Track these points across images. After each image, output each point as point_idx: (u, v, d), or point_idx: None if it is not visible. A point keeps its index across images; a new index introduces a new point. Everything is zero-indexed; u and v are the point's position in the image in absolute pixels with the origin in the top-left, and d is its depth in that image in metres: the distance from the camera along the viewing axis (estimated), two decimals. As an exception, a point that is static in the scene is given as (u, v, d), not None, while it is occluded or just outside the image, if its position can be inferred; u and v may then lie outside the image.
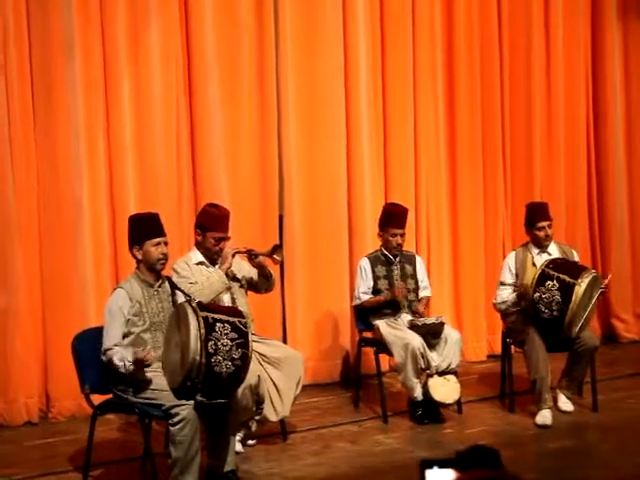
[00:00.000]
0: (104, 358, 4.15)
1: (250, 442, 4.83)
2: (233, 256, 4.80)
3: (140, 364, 4.04)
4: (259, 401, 4.67)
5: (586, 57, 7.30)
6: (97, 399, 4.34)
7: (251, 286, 4.99)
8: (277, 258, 4.81)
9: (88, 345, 4.25)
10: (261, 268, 4.87)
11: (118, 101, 5.59)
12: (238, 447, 4.61)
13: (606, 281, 5.35)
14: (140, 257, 4.23)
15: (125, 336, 4.19)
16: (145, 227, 4.27)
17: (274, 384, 4.76)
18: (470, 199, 6.86)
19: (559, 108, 7.16)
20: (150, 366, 4.08)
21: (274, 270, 5.13)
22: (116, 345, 4.14)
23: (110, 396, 4.31)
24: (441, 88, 6.76)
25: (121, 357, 4.08)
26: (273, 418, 4.79)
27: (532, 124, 7.03)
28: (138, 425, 4.28)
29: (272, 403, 4.75)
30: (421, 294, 5.59)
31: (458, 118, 6.80)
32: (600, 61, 7.35)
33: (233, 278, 4.86)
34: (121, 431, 5.19)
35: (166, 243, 4.29)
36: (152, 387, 4.12)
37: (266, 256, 4.83)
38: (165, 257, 4.27)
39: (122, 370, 4.09)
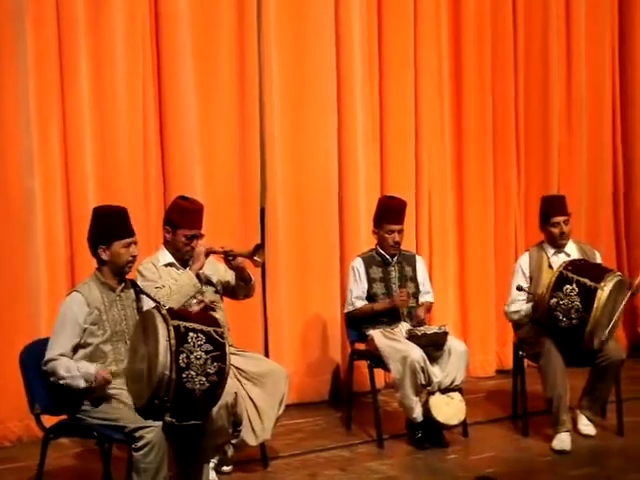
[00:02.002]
0: (45, 368, 4.12)
1: (226, 469, 4.82)
2: (207, 255, 4.78)
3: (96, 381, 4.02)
4: (236, 422, 4.66)
5: (612, 32, 7.33)
6: (49, 420, 4.30)
7: (227, 291, 4.97)
8: (258, 260, 4.79)
9: (39, 358, 4.19)
10: (239, 271, 4.85)
11: (75, 82, 5.53)
12: (212, 475, 4.59)
13: (636, 282, 5.35)
14: (106, 258, 4.21)
15: (82, 347, 4.15)
16: (114, 225, 4.24)
17: (253, 403, 4.75)
18: (478, 192, 6.88)
19: (581, 89, 7.18)
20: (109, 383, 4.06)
21: (254, 273, 5.12)
22: (62, 355, 4.11)
23: (64, 417, 4.28)
24: (446, 66, 6.78)
25: (68, 367, 4.06)
26: (252, 442, 4.77)
27: (550, 107, 7.05)
28: (97, 450, 4.25)
29: (251, 425, 4.73)
30: (422, 299, 5.58)
31: (465, 99, 6.81)
32: (628, 36, 7.37)
33: (207, 282, 4.84)
34: (77, 457, 5.15)
35: (136, 243, 4.28)
36: (113, 406, 4.09)
37: (245, 257, 4.81)
38: (135, 259, 4.29)
39: (62, 382, 4.05)
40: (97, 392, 4.08)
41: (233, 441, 4.73)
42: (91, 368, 4.05)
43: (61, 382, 4.08)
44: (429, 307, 5.70)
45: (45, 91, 5.46)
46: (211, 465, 4.54)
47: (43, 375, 4.15)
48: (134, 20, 5.69)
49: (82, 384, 4.05)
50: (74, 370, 4.05)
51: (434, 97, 6.69)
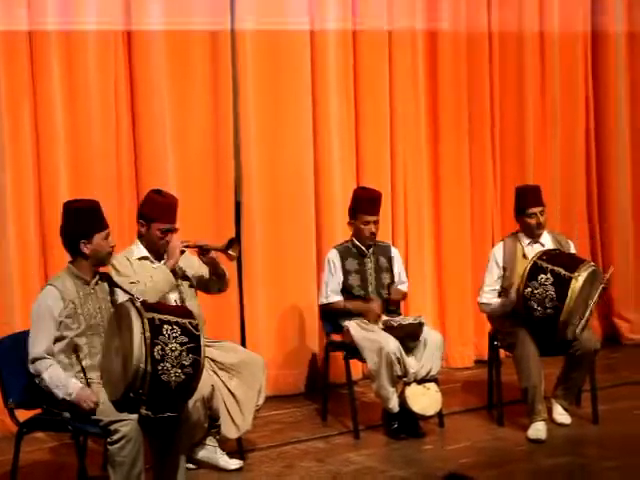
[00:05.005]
0: (32, 369, 4.13)
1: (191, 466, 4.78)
2: (182, 252, 4.79)
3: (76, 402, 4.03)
4: (212, 416, 4.67)
5: (585, 25, 7.37)
6: (23, 415, 4.30)
7: (201, 285, 4.97)
8: (232, 254, 4.81)
9: (12, 352, 4.22)
10: (213, 265, 4.87)
11: (46, 74, 5.52)
12: (189, 464, 4.65)
13: (607, 275, 5.41)
14: (88, 252, 4.23)
15: (57, 340, 4.16)
16: (92, 218, 4.27)
17: (232, 394, 4.77)
18: (454, 182, 6.89)
19: (554, 80, 7.19)
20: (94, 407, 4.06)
21: (229, 266, 5.14)
22: (48, 353, 4.11)
23: (39, 411, 4.28)
24: (422, 57, 6.76)
25: (56, 379, 4.06)
26: (233, 434, 4.80)
27: (524, 97, 7.06)
28: (72, 444, 4.27)
29: (231, 417, 4.75)
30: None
31: (440, 90, 6.80)
32: (602, 25, 7.39)
33: (182, 276, 4.85)
34: (52, 451, 5.16)
35: (110, 233, 4.32)
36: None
37: (219, 251, 4.83)
38: (113, 249, 4.34)
39: (51, 391, 4.06)
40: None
41: (217, 437, 4.77)
42: (72, 390, 4.04)
43: (51, 390, 4.08)
44: (404, 295, 5.73)
45: (16, 84, 5.43)
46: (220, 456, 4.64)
47: (27, 372, 4.14)
48: (106, 11, 5.67)
49: (66, 398, 4.06)
50: (61, 385, 4.05)
51: (409, 88, 6.68)
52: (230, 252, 4.80)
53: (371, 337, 5.27)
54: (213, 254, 4.83)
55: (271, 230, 6.28)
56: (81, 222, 4.26)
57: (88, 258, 4.24)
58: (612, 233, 7.50)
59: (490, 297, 5.53)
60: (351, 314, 5.46)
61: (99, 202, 4.36)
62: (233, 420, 4.76)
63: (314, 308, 6.15)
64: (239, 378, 4.80)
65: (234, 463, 4.80)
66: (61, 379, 4.08)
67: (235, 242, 4.91)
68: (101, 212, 4.31)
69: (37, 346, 4.13)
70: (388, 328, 5.26)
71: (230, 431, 4.77)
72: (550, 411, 5.40)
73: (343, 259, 5.54)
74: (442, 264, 6.94)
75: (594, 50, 7.43)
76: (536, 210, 5.51)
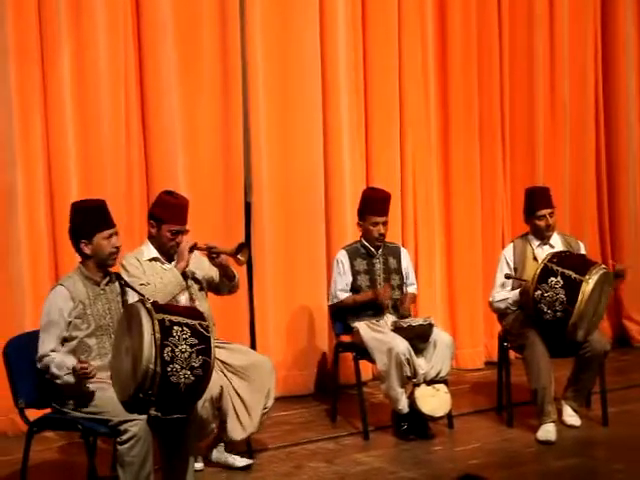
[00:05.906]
0: (39, 365, 4.15)
1: (197, 466, 4.73)
2: (191, 252, 4.79)
3: (79, 375, 4.04)
4: (221, 418, 4.67)
5: (595, 27, 7.36)
6: (33, 414, 4.32)
7: (211, 287, 4.97)
8: (241, 259, 4.80)
9: (23, 352, 4.23)
10: (223, 268, 4.86)
11: (57, 71, 5.54)
12: (198, 465, 4.65)
13: (622, 267, 5.42)
14: (89, 252, 4.22)
15: (66, 341, 4.18)
16: (94, 218, 4.25)
17: (240, 397, 4.76)
18: (465, 183, 6.89)
19: (564, 80, 7.21)
20: (92, 378, 4.07)
21: (239, 267, 5.13)
22: (53, 351, 4.13)
23: (48, 411, 4.30)
24: (432, 59, 6.78)
25: (60, 364, 4.08)
26: (240, 436, 4.78)
27: (534, 98, 7.08)
28: (81, 444, 4.28)
29: (238, 418, 4.74)
30: (406, 291, 5.62)
31: (451, 92, 6.82)
32: (611, 29, 7.41)
33: (192, 278, 4.85)
34: (62, 451, 5.17)
35: (117, 233, 4.30)
36: (98, 399, 4.12)
37: (229, 255, 4.83)
38: (118, 250, 4.30)
39: (59, 381, 4.08)
40: (80, 386, 4.10)
41: (223, 438, 4.78)
42: (70, 363, 4.07)
43: (56, 381, 4.10)
44: (413, 299, 5.75)
45: (27, 83, 5.45)
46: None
47: (37, 371, 4.16)
48: (116, 11, 5.69)
49: (72, 380, 4.07)
50: (64, 367, 4.06)
51: (420, 90, 6.69)
52: (239, 257, 4.79)
53: (380, 338, 5.26)
54: (222, 258, 4.82)
55: (281, 231, 6.28)
56: (82, 222, 4.25)
57: (91, 258, 4.24)
58: (622, 234, 7.49)
59: (504, 293, 5.50)
60: (361, 314, 5.45)
61: (104, 201, 4.34)
62: (240, 421, 4.75)
63: (324, 309, 6.16)
64: (247, 381, 4.79)
65: (242, 461, 4.81)
66: (64, 361, 4.08)
67: (244, 247, 4.89)
68: (105, 211, 4.28)
69: (45, 345, 4.15)
70: (398, 329, 5.26)
71: (236, 432, 4.76)
72: (560, 413, 5.39)
73: (352, 260, 5.53)
74: (452, 265, 6.94)
75: (604, 47, 7.43)
76: (546, 212, 5.50)
